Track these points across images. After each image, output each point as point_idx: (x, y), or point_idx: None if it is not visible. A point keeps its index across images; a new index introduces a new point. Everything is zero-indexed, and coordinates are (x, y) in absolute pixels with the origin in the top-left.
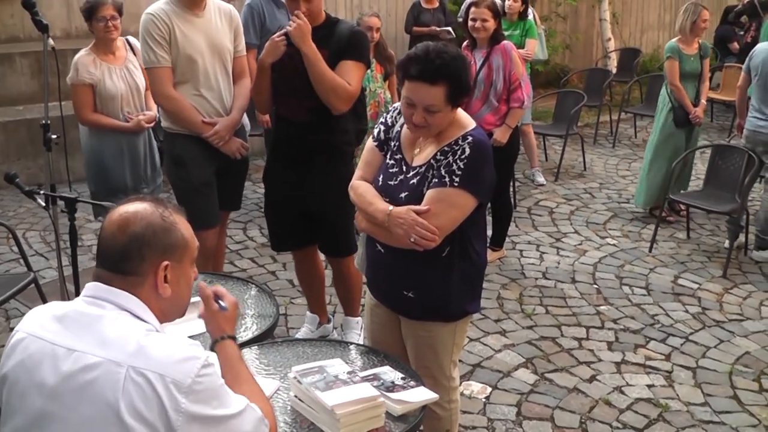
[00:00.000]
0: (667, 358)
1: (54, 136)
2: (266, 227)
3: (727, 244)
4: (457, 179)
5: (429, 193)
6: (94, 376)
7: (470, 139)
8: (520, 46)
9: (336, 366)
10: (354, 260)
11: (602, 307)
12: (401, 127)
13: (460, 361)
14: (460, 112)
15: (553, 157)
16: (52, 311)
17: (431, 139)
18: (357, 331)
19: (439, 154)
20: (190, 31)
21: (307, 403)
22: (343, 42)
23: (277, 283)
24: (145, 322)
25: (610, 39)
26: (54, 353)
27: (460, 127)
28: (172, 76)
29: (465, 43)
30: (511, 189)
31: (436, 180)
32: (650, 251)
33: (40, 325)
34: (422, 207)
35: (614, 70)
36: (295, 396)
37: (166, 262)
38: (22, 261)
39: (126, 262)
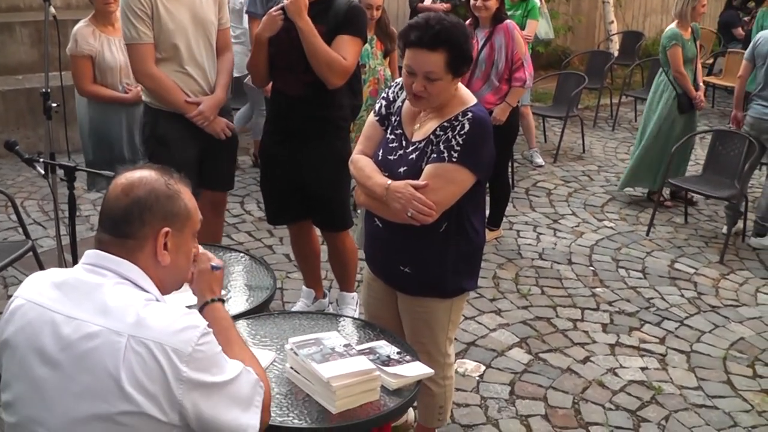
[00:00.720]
0: (662, 341)
1: (54, 105)
2: (263, 201)
3: (725, 229)
4: (455, 155)
5: (427, 168)
6: (95, 345)
7: (470, 115)
8: (522, 26)
9: (333, 339)
10: (349, 235)
11: (598, 289)
12: (402, 102)
13: (454, 339)
14: (462, 89)
15: (553, 139)
16: (51, 278)
17: (432, 114)
18: (353, 307)
19: (438, 129)
20: (174, 5)
21: (303, 374)
22: (340, 17)
23: (274, 257)
24: (145, 291)
25: (612, 22)
26: (53, 320)
27: (460, 103)
28: (154, 52)
29: (468, 23)
30: (510, 169)
31: (435, 155)
32: (647, 235)
33: (39, 291)
34: (420, 182)
35: (616, 53)
36: (291, 368)
37: (166, 229)
38: (20, 229)
39: (126, 225)
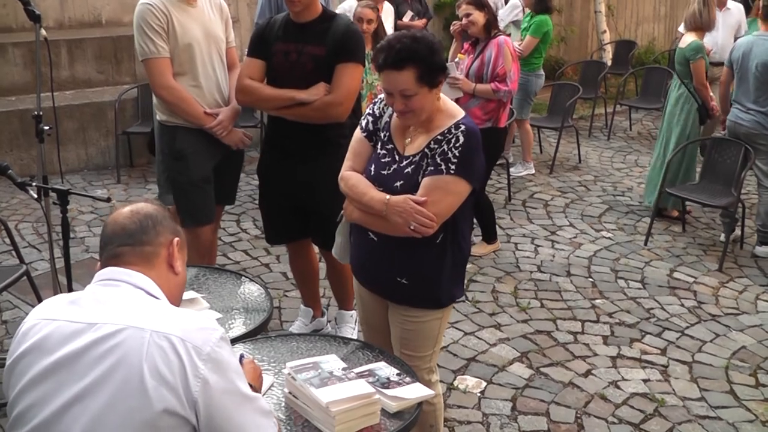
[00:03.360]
0: (663, 352)
1: (46, 128)
2: (260, 219)
3: (722, 237)
4: (453, 167)
5: (425, 181)
6: (118, 342)
7: (463, 127)
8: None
9: (331, 362)
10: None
11: (597, 301)
12: (390, 117)
13: (454, 355)
14: (448, 102)
15: (548, 150)
16: (64, 298)
17: (421, 129)
18: (351, 325)
19: (432, 143)
20: (187, 21)
21: (302, 399)
22: (337, 41)
23: (271, 276)
24: (158, 299)
25: (605, 31)
26: (73, 329)
27: (450, 116)
28: (172, 66)
29: (471, 40)
30: (507, 182)
31: (432, 168)
32: (645, 244)
33: (54, 310)
34: (420, 198)
35: (609, 63)
36: (290, 392)
37: (177, 239)
38: (14, 253)
39: (143, 234)
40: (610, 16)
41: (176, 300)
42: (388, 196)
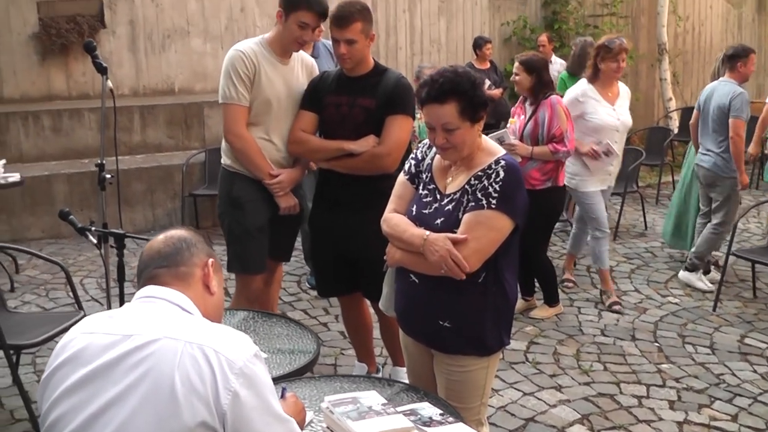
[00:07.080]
0: (734, 419)
1: (108, 176)
2: (313, 272)
3: None
4: (494, 201)
5: (466, 217)
6: (152, 351)
7: (503, 163)
8: None
9: (370, 397)
10: None
11: (664, 366)
12: (432, 159)
13: (512, 415)
14: (488, 141)
15: (613, 216)
16: (104, 314)
17: (462, 167)
18: (406, 381)
19: (473, 179)
20: (274, 76)
21: None
22: (388, 94)
23: (329, 335)
24: (193, 315)
25: (671, 99)
26: (109, 341)
27: (490, 154)
28: (247, 116)
29: (521, 98)
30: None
31: (473, 203)
32: (714, 310)
33: (92, 325)
34: (460, 236)
35: (676, 130)
36: (328, 427)
37: (212, 259)
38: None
39: (178, 255)
40: (675, 84)
41: (213, 320)
42: (427, 233)
